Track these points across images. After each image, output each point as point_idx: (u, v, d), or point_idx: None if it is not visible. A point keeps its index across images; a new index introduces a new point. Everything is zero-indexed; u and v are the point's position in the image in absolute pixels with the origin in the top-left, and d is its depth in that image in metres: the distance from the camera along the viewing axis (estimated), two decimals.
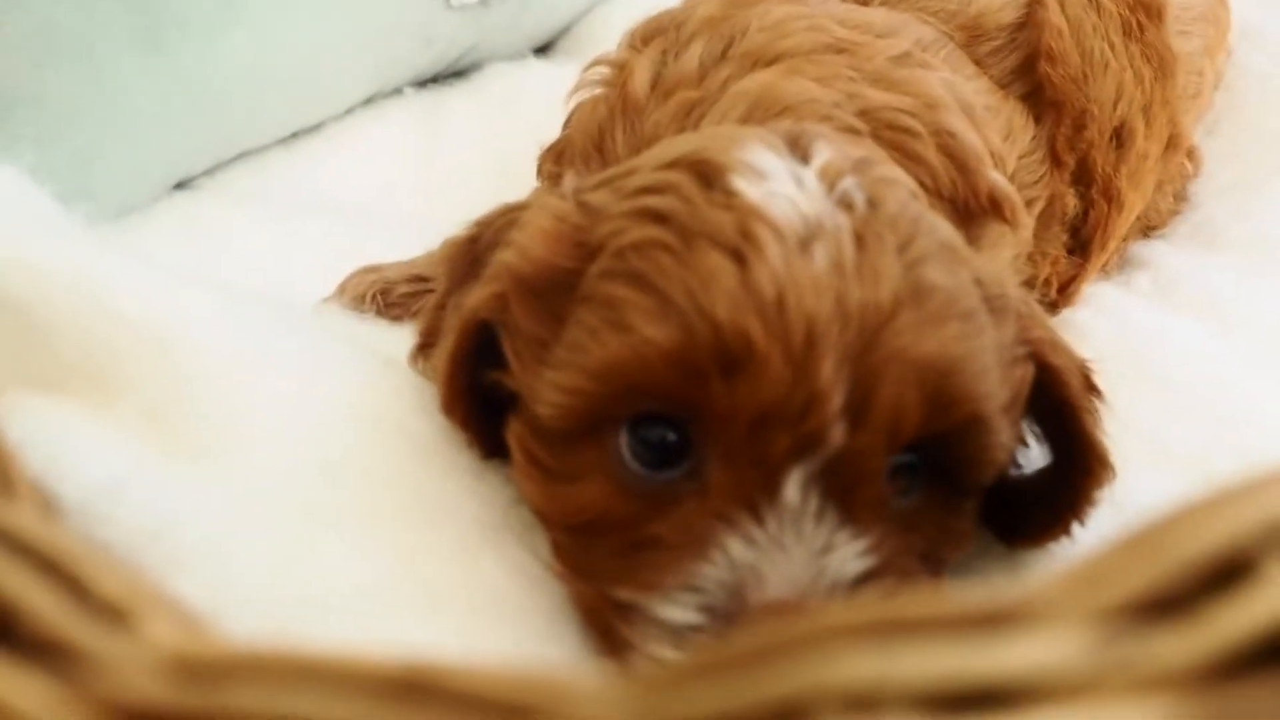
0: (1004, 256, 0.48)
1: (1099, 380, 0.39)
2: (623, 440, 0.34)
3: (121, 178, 0.63)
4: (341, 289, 0.54)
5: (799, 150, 0.36)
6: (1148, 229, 0.62)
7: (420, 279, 0.54)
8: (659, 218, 0.34)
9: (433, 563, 0.34)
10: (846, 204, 0.34)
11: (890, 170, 0.39)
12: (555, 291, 0.35)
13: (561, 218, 0.36)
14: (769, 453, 0.32)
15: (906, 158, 0.44)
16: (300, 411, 0.38)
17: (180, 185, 0.69)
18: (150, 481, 0.35)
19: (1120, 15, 0.56)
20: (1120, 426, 0.38)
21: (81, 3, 0.60)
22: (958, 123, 0.47)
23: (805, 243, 0.32)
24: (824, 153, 0.36)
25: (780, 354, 0.31)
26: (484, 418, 0.38)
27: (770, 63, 0.46)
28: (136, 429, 0.37)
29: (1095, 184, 0.54)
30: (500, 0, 0.80)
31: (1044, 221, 0.54)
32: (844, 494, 0.32)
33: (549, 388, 0.34)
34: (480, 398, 0.38)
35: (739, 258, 0.32)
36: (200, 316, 0.40)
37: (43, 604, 0.20)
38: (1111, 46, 0.55)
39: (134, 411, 0.37)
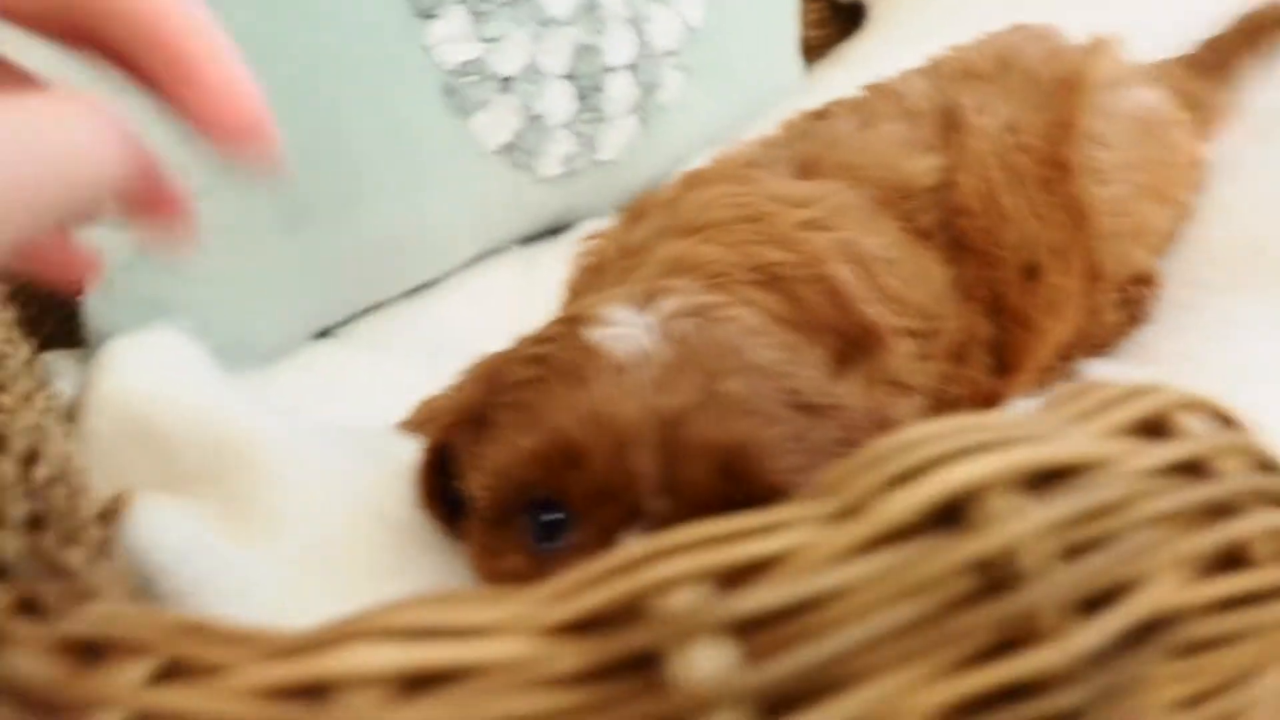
0: (884, 371, 0.58)
1: None
2: (526, 522, 0.48)
3: (269, 332, 0.81)
4: (408, 415, 0.70)
5: (652, 301, 0.50)
6: (1095, 347, 0.71)
7: None
8: (538, 360, 0.48)
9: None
10: (673, 340, 0.47)
11: (732, 312, 0.51)
12: (480, 419, 0.50)
13: (490, 364, 0.51)
14: (609, 521, 0.45)
15: (791, 299, 0.57)
16: (328, 507, 0.54)
17: (322, 334, 0.88)
18: (226, 553, 0.52)
19: (1036, 173, 0.67)
20: None
21: (237, 200, 0.79)
22: (838, 271, 0.59)
23: (628, 369, 0.46)
24: (670, 303, 0.49)
25: (603, 450, 0.44)
26: (454, 511, 0.53)
27: (694, 233, 0.60)
28: (221, 516, 0.54)
29: (1008, 314, 0.65)
30: (586, 171, 0.97)
31: (963, 350, 0.64)
32: None
33: (474, 485, 0.49)
34: (451, 497, 0.53)
35: (580, 384, 0.46)
36: (274, 439, 0.56)
37: None
38: (1023, 201, 0.65)
39: (220, 505, 0.54)
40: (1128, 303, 0.71)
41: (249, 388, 0.68)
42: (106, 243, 0.78)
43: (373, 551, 0.51)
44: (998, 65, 0.72)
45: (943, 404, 0.61)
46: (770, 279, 0.57)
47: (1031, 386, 0.67)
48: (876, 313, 0.58)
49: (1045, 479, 0.30)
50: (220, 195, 0.78)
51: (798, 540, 0.28)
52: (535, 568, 0.48)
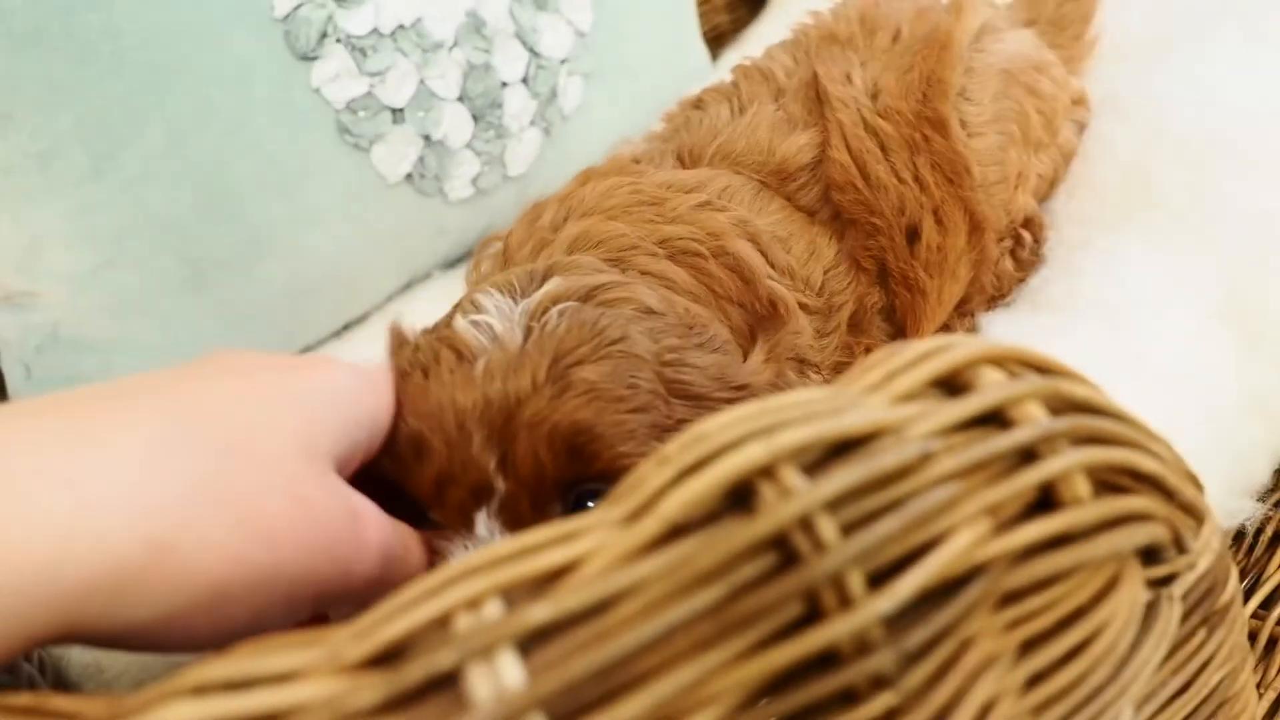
0: (788, 347, 0.59)
1: None
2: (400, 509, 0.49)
3: None
4: None
5: (535, 282, 0.51)
6: (993, 299, 0.72)
7: None
8: (414, 350, 0.50)
9: None
10: (533, 326, 0.48)
11: (626, 293, 0.52)
12: None
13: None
14: (455, 499, 0.47)
15: (698, 273, 0.58)
16: None
17: None
18: None
19: (905, 136, 0.67)
20: None
21: (142, 266, 0.80)
22: (740, 246, 0.60)
23: (474, 357, 0.47)
24: (551, 285, 0.50)
25: (441, 438, 0.46)
26: None
27: (597, 214, 0.61)
28: None
29: (894, 279, 0.66)
30: (497, 188, 0.98)
31: (857, 319, 0.65)
32: (517, 525, 0.46)
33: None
34: None
35: (426, 377, 0.47)
36: None
37: None
38: (892, 167, 0.66)
39: None
40: (1018, 248, 0.72)
41: None
42: (17, 330, 0.80)
43: None
44: (860, 28, 0.73)
45: (839, 374, 0.62)
46: (676, 253, 0.58)
47: None
48: (779, 288, 0.58)
49: (837, 452, 0.31)
50: (119, 263, 0.79)
51: (588, 547, 0.29)
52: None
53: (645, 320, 0.51)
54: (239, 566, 0.37)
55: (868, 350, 0.65)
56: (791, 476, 0.30)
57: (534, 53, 0.96)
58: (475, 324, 0.48)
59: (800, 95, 0.70)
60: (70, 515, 0.33)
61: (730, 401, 0.49)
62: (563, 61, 0.99)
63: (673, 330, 0.51)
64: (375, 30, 0.87)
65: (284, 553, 0.38)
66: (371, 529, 0.43)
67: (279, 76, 0.83)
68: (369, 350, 0.91)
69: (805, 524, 0.29)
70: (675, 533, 0.29)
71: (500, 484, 0.46)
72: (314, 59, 0.85)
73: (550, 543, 0.29)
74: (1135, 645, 0.37)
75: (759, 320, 0.58)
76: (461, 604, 0.28)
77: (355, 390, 0.46)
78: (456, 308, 0.52)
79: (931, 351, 0.34)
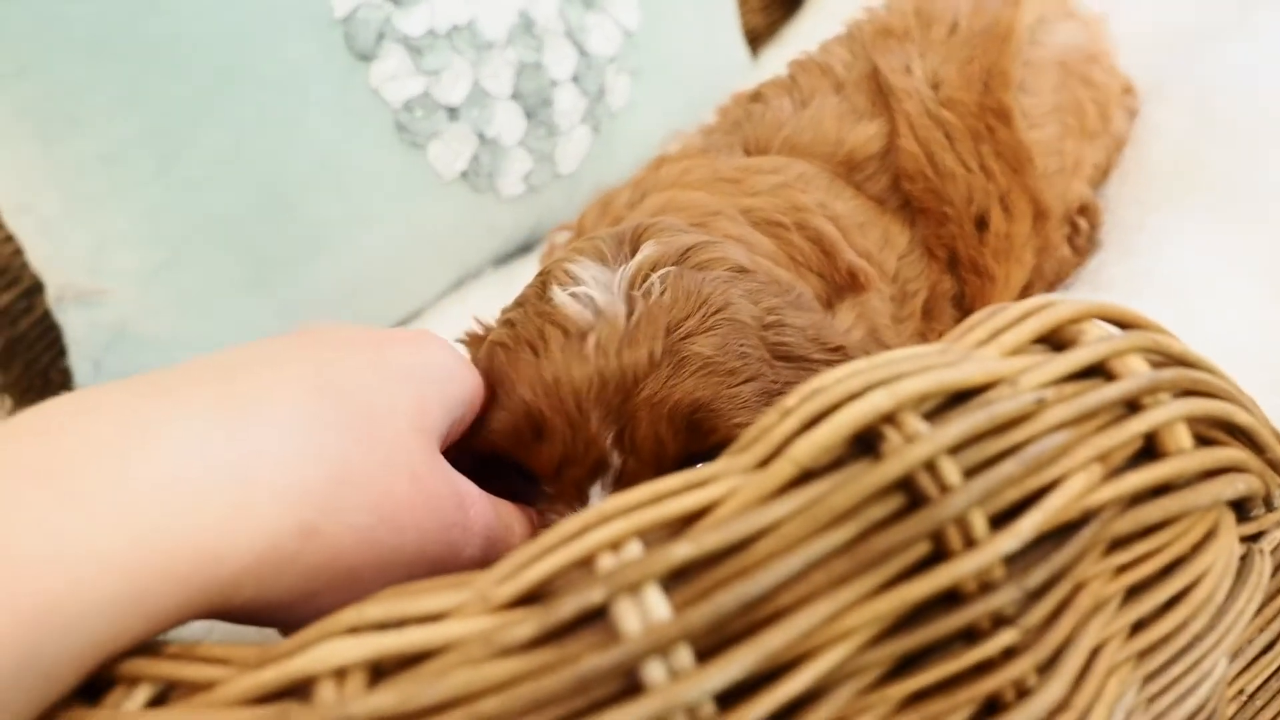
0: (871, 315, 0.60)
1: None
2: (514, 479, 0.50)
3: None
4: None
5: (633, 246, 0.50)
6: (1052, 284, 0.73)
7: None
8: (509, 324, 0.50)
9: None
10: (638, 297, 0.48)
11: (718, 252, 0.51)
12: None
13: (469, 342, 0.54)
14: (574, 478, 0.47)
15: (779, 241, 0.58)
16: None
17: None
18: None
19: (969, 126, 0.69)
20: None
21: (203, 265, 0.81)
22: (819, 222, 0.60)
23: (583, 334, 0.47)
24: (647, 249, 0.50)
25: (561, 419, 0.46)
26: None
27: (678, 188, 0.62)
28: None
29: (964, 266, 0.67)
30: (548, 185, 0.99)
31: (930, 306, 0.66)
32: None
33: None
34: None
35: (536, 353, 0.48)
36: None
37: None
38: (959, 156, 0.67)
39: None
40: (1075, 235, 0.73)
41: None
42: (86, 327, 0.82)
43: None
44: (916, 21, 0.74)
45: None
46: (758, 221, 0.58)
47: None
48: (859, 261, 0.59)
49: (953, 402, 0.32)
50: (182, 262, 0.81)
51: (722, 490, 0.30)
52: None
53: (741, 281, 0.50)
54: (371, 549, 0.37)
55: (941, 336, 0.66)
56: (915, 422, 0.31)
57: (583, 51, 0.98)
58: (575, 296, 0.48)
59: (862, 87, 0.71)
60: (234, 506, 0.33)
61: (828, 363, 0.49)
62: (611, 60, 1.00)
63: (768, 289, 0.51)
64: (431, 31, 0.89)
65: (407, 535, 0.39)
66: (475, 511, 0.43)
67: (338, 77, 0.85)
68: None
69: (930, 467, 0.30)
70: (805, 477, 0.30)
71: (615, 459, 0.47)
72: (372, 59, 0.86)
73: (684, 488, 0.31)
74: (1231, 595, 0.38)
75: (837, 290, 0.59)
76: (604, 545, 0.29)
77: (455, 367, 0.46)
78: (544, 277, 0.51)
79: (1034, 309, 0.35)
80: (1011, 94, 0.69)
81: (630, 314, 0.47)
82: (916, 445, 0.30)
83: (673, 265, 0.49)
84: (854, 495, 0.30)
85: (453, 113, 0.90)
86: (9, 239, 0.95)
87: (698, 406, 0.46)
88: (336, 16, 0.85)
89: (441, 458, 0.43)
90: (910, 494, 0.30)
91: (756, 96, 0.76)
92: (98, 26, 0.78)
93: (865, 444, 0.31)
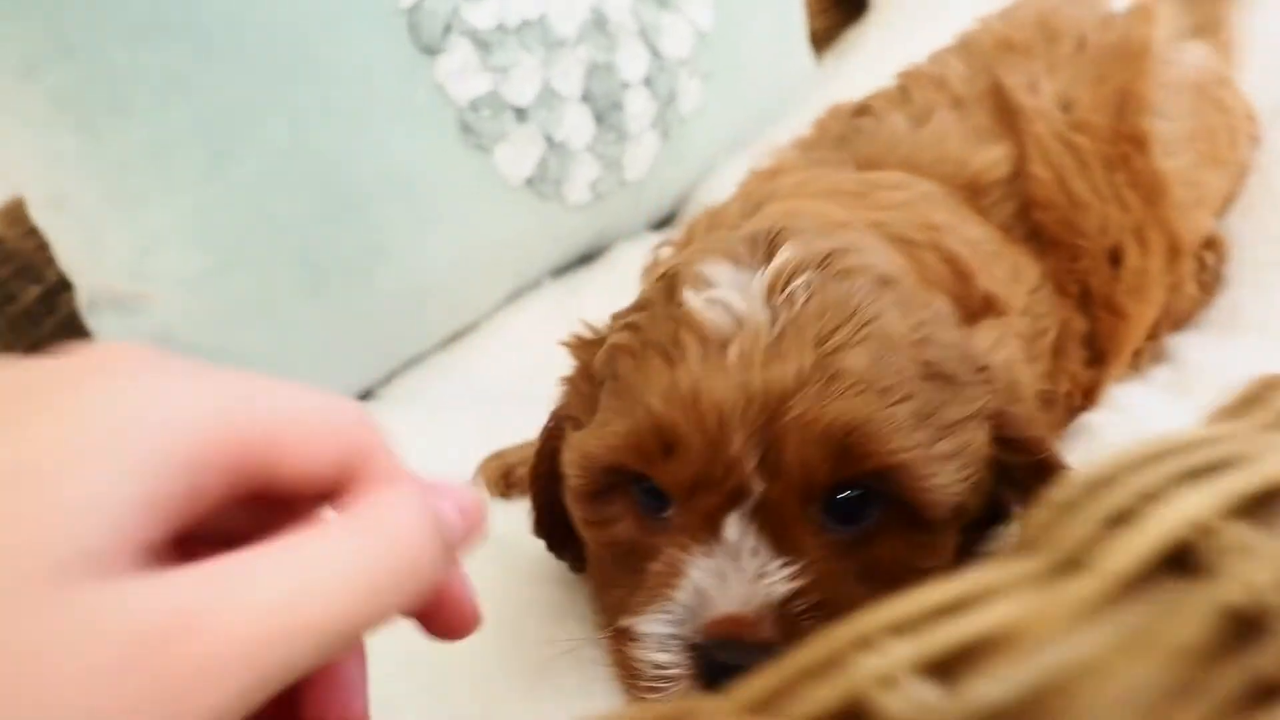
0: (1005, 345, 0.55)
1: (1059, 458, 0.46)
2: (635, 492, 0.46)
3: None
4: (476, 475, 0.67)
5: (769, 249, 0.45)
6: (1178, 323, 0.68)
7: None
8: (633, 327, 0.45)
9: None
10: (781, 304, 0.42)
11: (860, 259, 0.46)
12: (583, 407, 0.47)
13: (578, 346, 0.49)
14: (707, 505, 0.42)
15: (911, 259, 0.52)
16: None
17: (364, 395, 0.84)
18: None
19: (1102, 152, 0.64)
20: None
21: (255, 270, 0.76)
22: (954, 243, 0.55)
23: (723, 342, 0.42)
24: (786, 252, 0.44)
25: (699, 437, 0.41)
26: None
27: (799, 198, 0.57)
28: None
29: (1097, 303, 0.62)
30: (614, 193, 0.94)
31: (1059, 345, 0.61)
32: (774, 530, 0.42)
33: (568, 464, 0.46)
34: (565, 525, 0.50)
35: (669, 361, 0.42)
36: None
37: None
38: (1093, 184, 0.62)
39: None
40: (1202, 271, 0.68)
41: None
42: (125, 335, 0.76)
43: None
44: (1040, 34, 0.69)
45: (1045, 402, 0.58)
46: (889, 237, 0.53)
47: (1123, 370, 0.64)
48: (989, 286, 0.54)
49: (1260, 503, 0.27)
50: (236, 266, 0.75)
51: (1019, 609, 0.25)
52: (643, 531, 0.46)
53: (888, 291, 0.46)
54: None
55: (1070, 376, 0.61)
56: (1239, 533, 0.26)
57: (655, 53, 0.93)
58: (711, 301, 0.43)
59: (985, 105, 0.66)
60: None
61: (975, 384, 0.45)
62: (683, 62, 0.95)
63: (914, 302, 0.46)
64: (500, 25, 0.83)
65: None
66: None
67: (402, 71, 0.80)
68: (482, 356, 0.88)
69: (1266, 589, 0.25)
70: (1119, 595, 0.25)
71: (757, 485, 0.41)
72: (438, 53, 0.81)
73: (965, 602, 0.25)
74: None
75: (970, 316, 0.54)
76: (883, 677, 0.24)
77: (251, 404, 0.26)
78: (670, 279, 0.46)
79: None
80: (1147, 119, 0.64)
81: (774, 323, 0.42)
82: (1247, 562, 0.25)
83: (814, 270, 0.43)
84: (1188, 622, 0.24)
85: (521, 114, 0.85)
86: (31, 232, 0.88)
87: (852, 429, 0.41)
88: (403, 5, 0.80)
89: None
90: (1241, 621, 0.25)
91: (863, 110, 0.71)
92: (149, 7, 0.71)
93: (1176, 555, 0.26)
